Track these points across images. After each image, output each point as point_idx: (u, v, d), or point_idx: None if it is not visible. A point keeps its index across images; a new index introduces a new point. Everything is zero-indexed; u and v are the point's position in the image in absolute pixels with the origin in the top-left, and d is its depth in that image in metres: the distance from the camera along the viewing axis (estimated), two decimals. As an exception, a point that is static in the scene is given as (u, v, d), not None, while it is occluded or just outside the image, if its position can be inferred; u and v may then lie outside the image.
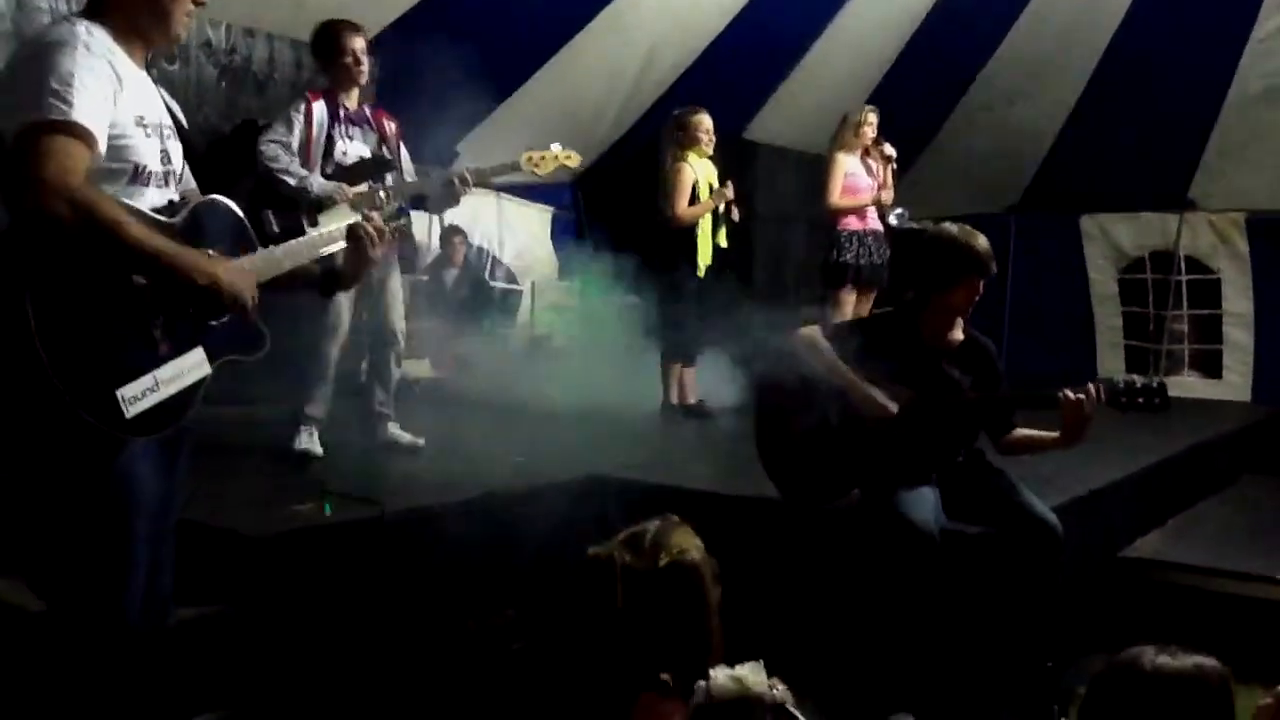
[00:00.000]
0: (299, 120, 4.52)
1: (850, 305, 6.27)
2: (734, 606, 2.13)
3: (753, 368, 4.10)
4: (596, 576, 2.02)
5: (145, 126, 2.41)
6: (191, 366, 2.41)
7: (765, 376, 3.95)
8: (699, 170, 6.00)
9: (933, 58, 8.33)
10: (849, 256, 6.28)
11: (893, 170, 6.52)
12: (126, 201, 2.32)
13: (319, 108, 4.57)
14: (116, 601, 2.37)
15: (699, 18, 7.81)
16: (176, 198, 2.51)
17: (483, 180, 4.77)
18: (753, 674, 1.65)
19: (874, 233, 6.41)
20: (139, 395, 2.27)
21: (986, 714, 3.44)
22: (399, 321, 4.85)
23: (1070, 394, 3.36)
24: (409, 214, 2.86)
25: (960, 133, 9.13)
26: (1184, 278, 8.65)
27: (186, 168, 2.59)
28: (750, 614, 2.07)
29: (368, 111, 4.72)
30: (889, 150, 6.43)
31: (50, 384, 2.14)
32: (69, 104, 2.20)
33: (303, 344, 4.66)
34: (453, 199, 4.65)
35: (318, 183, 4.44)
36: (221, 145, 5.88)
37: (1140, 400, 3.35)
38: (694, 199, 5.95)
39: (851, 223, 6.33)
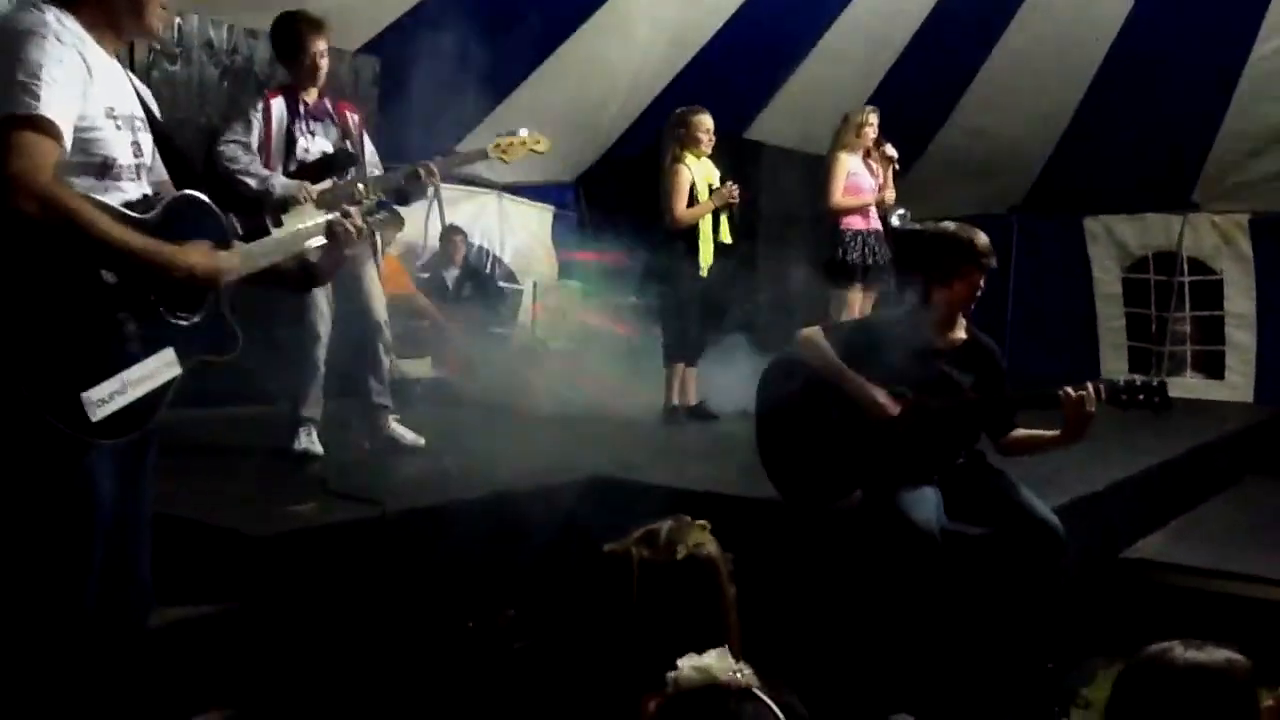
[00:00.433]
0: (257, 119, 4.47)
1: (854, 304, 6.27)
2: (737, 607, 2.13)
3: (755, 368, 4.09)
4: (612, 572, 2.02)
5: (116, 118, 2.36)
6: (161, 367, 2.34)
7: (767, 377, 3.95)
8: (697, 171, 5.99)
9: (935, 57, 8.32)
10: (854, 256, 6.28)
11: (894, 171, 6.52)
12: (98, 198, 2.27)
13: (278, 105, 4.52)
14: (72, 602, 2.30)
15: (700, 15, 7.81)
16: (150, 192, 2.45)
17: (450, 169, 4.73)
18: (718, 660, 1.65)
19: (875, 232, 6.42)
20: (106, 398, 2.21)
21: (987, 715, 3.43)
22: (381, 312, 4.80)
23: (1071, 391, 3.36)
24: (387, 208, 2.85)
25: (963, 133, 9.12)
26: (1187, 279, 8.65)
27: (159, 160, 2.53)
28: (752, 614, 2.06)
29: (328, 105, 4.66)
30: (890, 151, 6.44)
31: (13, 386, 2.09)
32: (37, 97, 2.14)
33: (290, 347, 4.66)
34: (420, 191, 4.63)
35: (280, 182, 4.37)
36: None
37: (1141, 398, 3.36)
38: (692, 200, 5.94)
39: (855, 222, 6.34)
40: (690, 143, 6.01)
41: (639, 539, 2.05)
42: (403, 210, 7.07)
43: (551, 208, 9.21)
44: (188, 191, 2.50)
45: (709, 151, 6.09)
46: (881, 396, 3.58)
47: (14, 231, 2.12)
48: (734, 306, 6.56)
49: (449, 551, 3.78)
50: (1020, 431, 3.68)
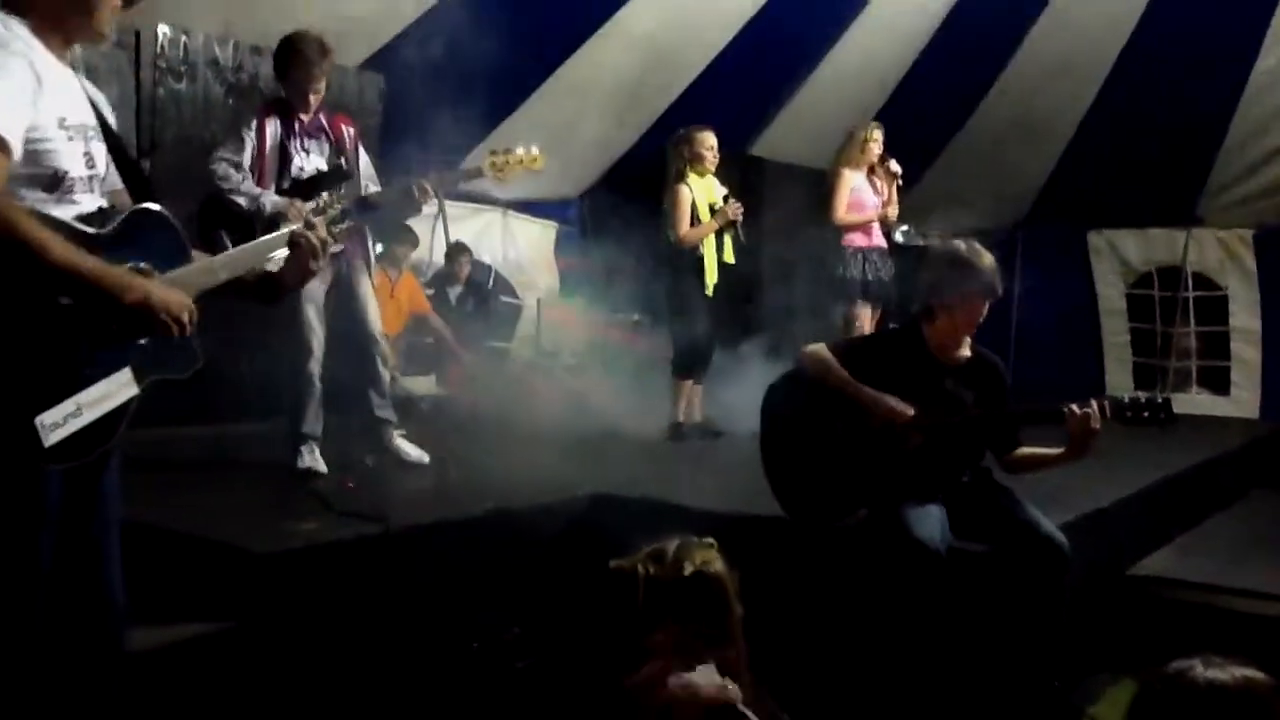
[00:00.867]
0: (250, 136, 4.47)
1: (858, 321, 6.27)
2: (744, 624, 2.12)
3: (760, 385, 4.09)
4: (619, 587, 2.02)
5: (68, 129, 2.29)
6: (118, 388, 2.26)
7: (772, 394, 3.94)
8: (700, 188, 5.99)
9: (941, 73, 8.33)
10: (853, 273, 6.29)
11: (898, 187, 6.53)
12: (50, 213, 2.20)
13: (272, 122, 4.52)
14: (18, 615, 2.24)
15: (706, 32, 7.82)
16: (105, 204, 2.38)
17: (446, 186, 4.72)
18: (703, 677, 1.65)
19: (879, 249, 6.42)
20: (59, 421, 2.13)
21: (994, 733, 3.42)
22: (377, 324, 4.80)
23: (1075, 409, 3.35)
24: (354, 218, 2.83)
25: (967, 148, 9.13)
26: (1191, 294, 8.64)
27: (114, 171, 2.45)
28: (757, 632, 2.06)
29: (324, 120, 4.66)
30: (894, 167, 6.44)
31: None
32: None
33: (285, 364, 4.66)
34: (414, 208, 4.61)
35: (270, 200, 4.36)
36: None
37: (1145, 414, 3.34)
38: (695, 219, 5.95)
39: (857, 239, 6.34)
40: (694, 160, 6.01)
41: (646, 556, 2.05)
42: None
43: (555, 224, 9.22)
44: (144, 205, 2.42)
45: (713, 169, 6.10)
46: (894, 401, 3.57)
47: None
48: (739, 323, 6.55)
49: (452, 569, 3.78)
50: (1025, 449, 3.67)
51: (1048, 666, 3.53)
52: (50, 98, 2.25)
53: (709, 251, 5.99)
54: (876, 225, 6.42)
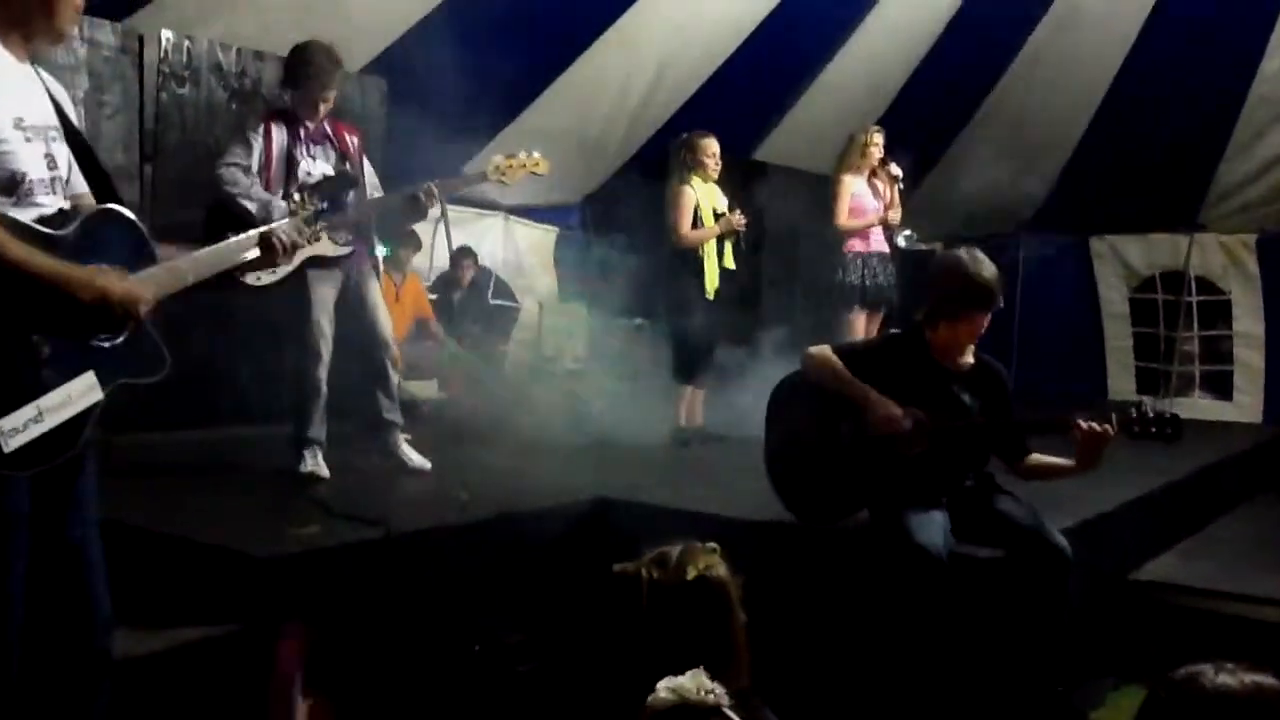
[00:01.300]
0: (257, 142, 4.47)
1: (857, 326, 6.27)
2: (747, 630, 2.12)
3: (762, 390, 4.09)
4: (622, 592, 2.01)
5: (25, 130, 2.24)
6: (81, 392, 2.21)
7: (776, 395, 3.94)
8: (702, 194, 6.00)
9: (943, 79, 8.34)
10: (854, 278, 6.28)
11: (899, 190, 6.52)
12: (8, 215, 2.16)
13: (277, 128, 4.53)
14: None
15: (710, 38, 7.83)
16: (66, 205, 2.34)
17: (450, 192, 4.73)
18: (692, 681, 1.65)
19: (879, 254, 6.41)
20: (19, 427, 2.09)
21: (996, 738, 3.42)
22: (387, 329, 4.82)
23: (1084, 424, 3.33)
24: (329, 217, 2.84)
25: (970, 153, 9.12)
26: (1194, 299, 8.63)
27: (77, 172, 2.41)
28: (759, 637, 2.06)
29: (328, 128, 4.67)
30: (895, 170, 6.43)
31: None
32: None
33: (291, 368, 4.67)
34: (420, 212, 4.62)
35: (280, 206, 4.34)
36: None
37: (1153, 430, 3.34)
38: (697, 222, 5.95)
39: (855, 245, 6.34)
40: (696, 167, 6.02)
41: (649, 560, 2.05)
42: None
43: (556, 229, 9.23)
44: (107, 206, 2.38)
45: (715, 176, 6.10)
46: (894, 409, 3.57)
47: None
48: (740, 328, 6.55)
49: (454, 573, 3.78)
50: (1036, 457, 3.66)
51: (1050, 671, 3.53)
52: (6, 99, 2.21)
53: (710, 256, 5.99)
54: (878, 230, 6.42)
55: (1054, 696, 3.53)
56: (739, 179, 6.65)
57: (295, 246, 2.69)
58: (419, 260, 7.78)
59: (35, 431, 2.12)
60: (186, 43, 5.80)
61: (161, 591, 3.33)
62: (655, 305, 6.55)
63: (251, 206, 4.31)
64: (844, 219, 6.30)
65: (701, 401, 6.28)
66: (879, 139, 6.42)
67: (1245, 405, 8.37)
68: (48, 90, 2.38)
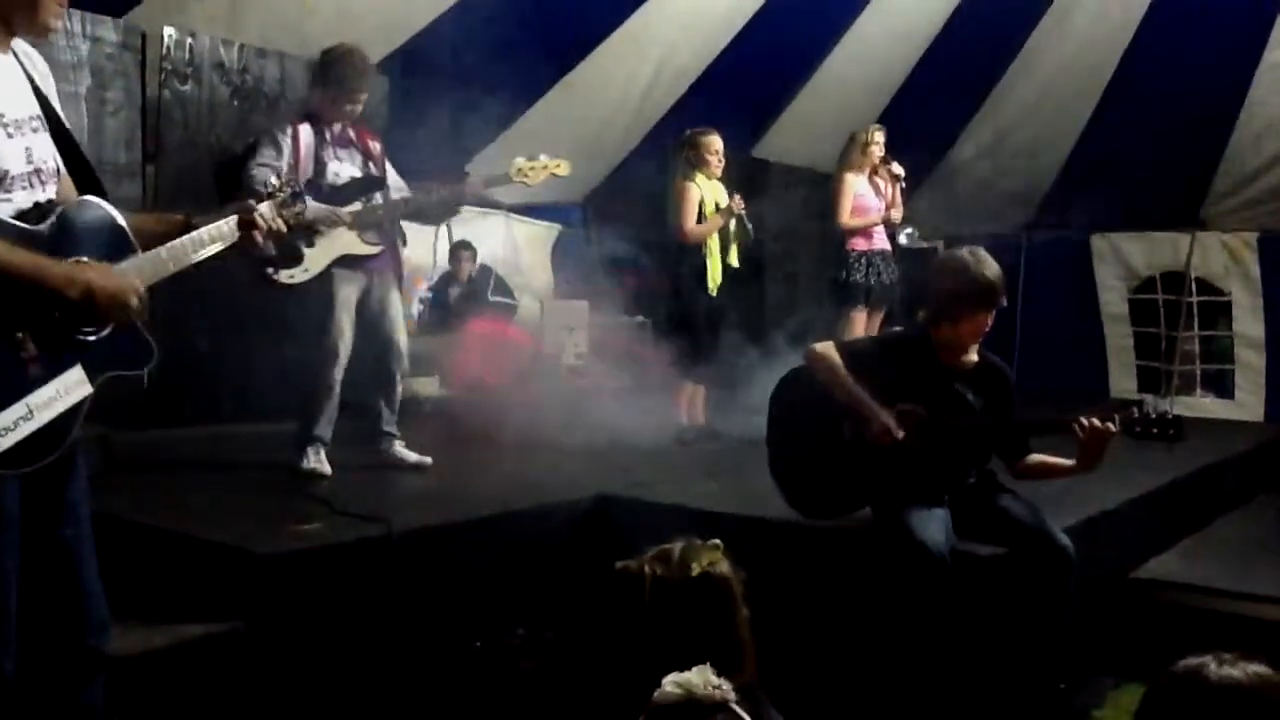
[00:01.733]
0: (286, 143, 4.51)
1: (860, 324, 6.27)
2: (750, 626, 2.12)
3: (764, 387, 4.09)
4: (625, 589, 2.01)
5: (5, 125, 2.22)
6: (70, 387, 2.19)
7: (779, 390, 3.94)
8: (706, 191, 6.00)
9: (944, 76, 8.33)
10: (858, 276, 6.29)
11: (901, 189, 6.52)
12: None
13: (305, 130, 4.56)
14: None
15: (709, 37, 7.83)
16: (44, 199, 2.29)
17: (480, 191, 4.79)
18: (698, 677, 1.65)
19: (881, 252, 6.41)
20: (10, 425, 2.07)
21: (998, 736, 3.42)
22: (402, 340, 4.85)
23: (1085, 423, 3.33)
24: (305, 201, 2.85)
25: (972, 152, 9.13)
26: (1195, 298, 8.63)
27: (60, 164, 2.37)
28: (761, 634, 2.06)
29: (352, 132, 4.71)
30: (897, 169, 6.44)
31: None
32: None
33: (306, 365, 4.67)
34: (450, 211, 4.72)
35: (312, 206, 4.36)
36: (234, 164, 5.92)
37: (1154, 431, 3.34)
38: (700, 218, 5.96)
39: (859, 243, 6.34)
40: (699, 164, 6.02)
41: (652, 557, 2.05)
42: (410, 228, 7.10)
43: (558, 226, 9.23)
44: (85, 198, 2.35)
45: (719, 173, 6.10)
46: (888, 420, 3.57)
47: None
48: (743, 325, 6.55)
49: (456, 571, 3.78)
50: (1035, 457, 3.66)
51: (1052, 669, 3.53)
52: None
53: (713, 253, 5.99)
54: (881, 227, 6.42)
55: (1055, 694, 3.53)
56: (740, 176, 6.64)
57: (273, 227, 2.63)
58: (422, 258, 7.78)
59: (26, 429, 2.10)
60: (189, 40, 5.81)
61: (163, 588, 3.33)
62: (657, 302, 6.55)
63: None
64: (846, 217, 6.31)
65: (703, 398, 6.28)
66: (880, 137, 6.42)
67: (1247, 404, 8.36)
68: (29, 77, 2.34)
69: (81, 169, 2.43)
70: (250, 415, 5.73)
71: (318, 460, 4.64)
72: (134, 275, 2.30)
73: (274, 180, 3.81)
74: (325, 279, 4.52)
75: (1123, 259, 8.94)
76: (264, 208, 2.62)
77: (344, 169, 4.62)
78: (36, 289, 2.11)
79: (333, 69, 4.58)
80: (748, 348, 6.39)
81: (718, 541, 2.09)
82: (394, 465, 4.82)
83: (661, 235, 6.16)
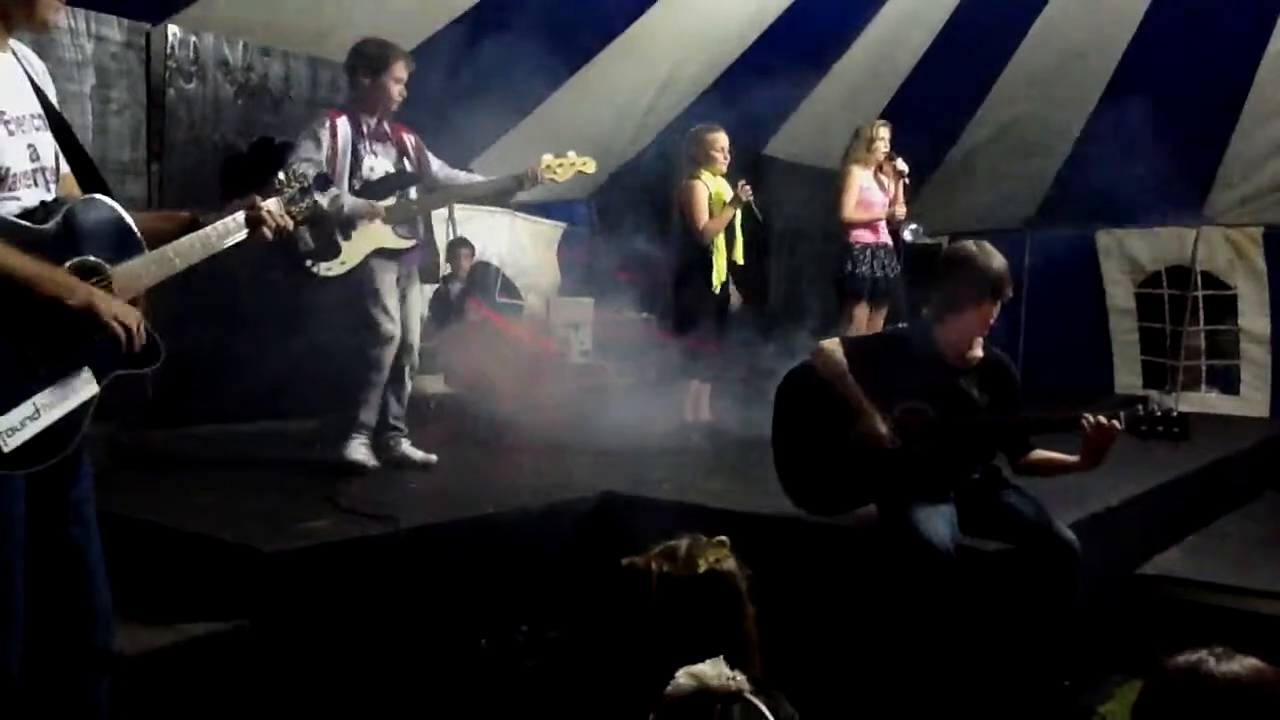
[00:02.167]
0: (325, 137, 4.57)
1: (862, 319, 6.26)
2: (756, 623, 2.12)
3: (769, 384, 4.09)
4: (631, 585, 2.01)
5: (7, 123, 2.21)
6: (77, 387, 2.19)
7: (784, 387, 3.94)
8: (712, 187, 6.00)
9: (948, 73, 8.32)
10: (862, 269, 6.27)
11: (905, 185, 6.51)
12: None
13: (343, 124, 4.62)
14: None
15: (721, 41, 7.82)
16: (49, 197, 2.28)
17: (529, 185, 4.83)
18: (712, 669, 1.66)
19: (885, 246, 6.40)
20: (17, 426, 2.07)
21: (1003, 732, 3.42)
22: (416, 334, 4.92)
23: (1091, 419, 3.33)
24: (314, 196, 2.84)
25: (976, 147, 9.12)
26: (1200, 293, 8.61)
27: (63, 161, 2.35)
28: (766, 631, 2.06)
29: (387, 127, 4.77)
30: (901, 165, 6.41)
31: None
32: None
33: (352, 351, 4.71)
34: (509, 197, 4.94)
35: (349, 201, 4.50)
36: (239, 162, 5.93)
37: (1160, 429, 3.33)
38: (709, 214, 5.96)
39: (864, 236, 6.33)
40: (706, 161, 6.02)
41: (659, 554, 2.05)
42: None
43: (563, 224, 9.23)
44: (91, 196, 2.34)
45: (725, 170, 6.10)
46: (883, 428, 3.58)
47: None
48: (747, 322, 6.55)
49: (461, 569, 3.79)
50: (1039, 453, 3.66)
51: (1057, 665, 3.53)
52: None
53: (719, 250, 6.00)
54: (884, 223, 6.41)
55: (1060, 690, 3.53)
56: (747, 173, 6.64)
57: (282, 223, 2.64)
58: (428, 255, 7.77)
59: (33, 429, 2.10)
60: (192, 38, 5.81)
61: (169, 586, 3.34)
62: (662, 300, 6.55)
63: (323, 201, 4.37)
64: (850, 211, 6.29)
65: (708, 395, 6.27)
66: (885, 133, 6.41)
67: (1252, 400, 8.35)
68: (29, 76, 2.33)
69: (85, 168, 2.42)
70: (257, 413, 5.74)
71: (364, 452, 4.70)
72: (142, 274, 2.30)
73: (280, 175, 3.84)
74: (364, 270, 4.59)
75: (1128, 254, 8.93)
76: (271, 204, 2.62)
77: (379, 164, 4.69)
78: (35, 295, 2.10)
79: (379, 62, 4.65)
80: (753, 344, 6.39)
81: (724, 538, 2.09)
82: (400, 464, 4.83)
83: (666, 232, 6.16)
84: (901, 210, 6.48)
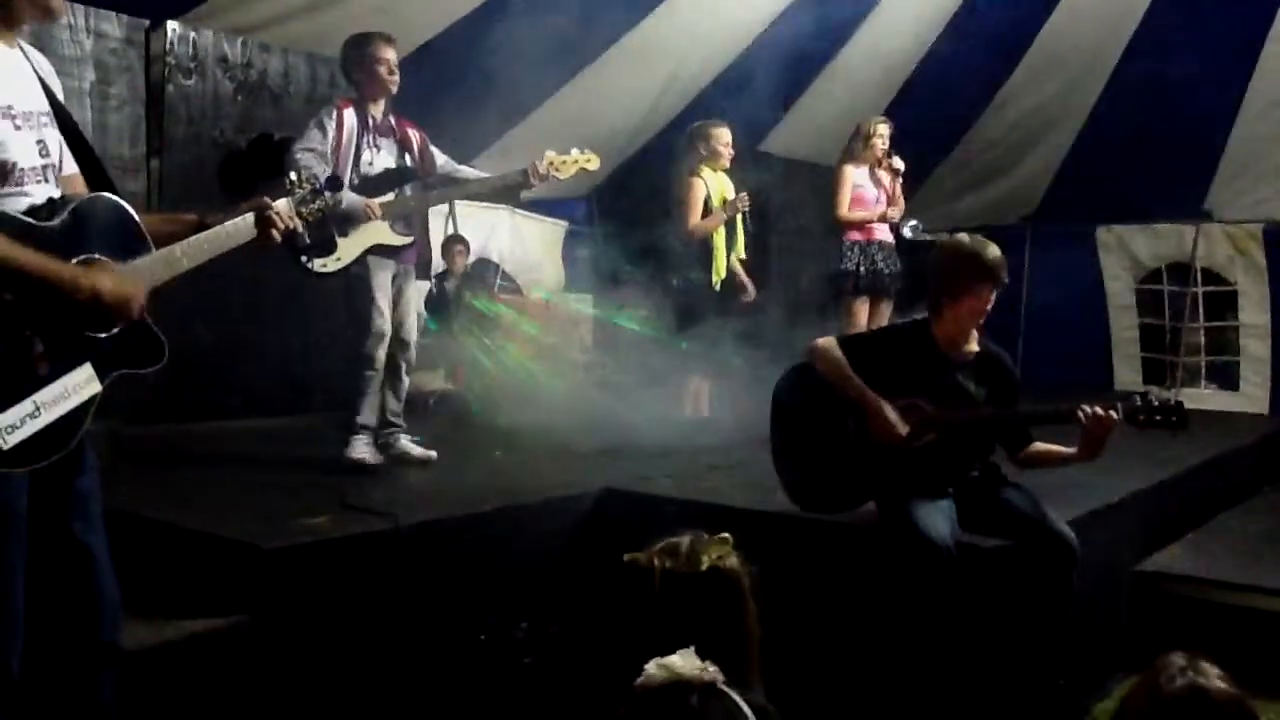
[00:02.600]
0: (331, 126, 4.58)
1: (859, 316, 6.24)
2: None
3: (768, 380, 4.09)
4: (634, 581, 2.01)
5: (14, 117, 2.20)
6: (79, 385, 2.18)
7: (782, 386, 3.94)
8: (712, 184, 6.00)
9: (949, 69, 8.32)
10: (853, 265, 6.23)
11: (900, 184, 6.48)
12: None
13: (350, 115, 4.63)
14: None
15: (723, 41, 7.82)
16: (56, 194, 2.28)
17: (533, 181, 4.84)
18: (684, 659, 1.65)
19: (880, 243, 6.35)
20: (16, 423, 2.05)
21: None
22: (413, 330, 4.92)
23: (1089, 410, 3.33)
24: (327, 195, 2.85)
25: (976, 144, 9.12)
26: (1200, 289, 8.61)
27: (68, 156, 2.35)
28: (766, 628, 2.06)
29: (393, 121, 4.78)
30: (898, 164, 6.37)
31: None
32: None
33: (347, 352, 4.70)
34: (515, 195, 4.91)
35: (349, 197, 4.47)
36: (238, 159, 5.93)
37: (1158, 418, 3.33)
38: (706, 212, 5.95)
39: (856, 234, 6.29)
40: (710, 156, 6.02)
41: (661, 550, 2.05)
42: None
43: (564, 223, 9.22)
44: (98, 193, 2.33)
45: (728, 165, 6.09)
46: (892, 415, 3.57)
47: None
48: (747, 319, 6.54)
49: (461, 565, 3.79)
50: (1037, 446, 3.67)
51: (1054, 663, 3.53)
52: None
53: (719, 246, 5.99)
54: (882, 219, 6.38)
55: (1057, 689, 3.53)
56: (746, 170, 6.64)
57: (291, 224, 2.64)
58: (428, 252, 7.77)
59: (33, 427, 2.09)
60: (192, 34, 5.81)
61: (171, 582, 3.34)
62: (662, 296, 6.55)
63: (333, 202, 4.38)
64: (845, 209, 6.26)
65: (708, 392, 6.27)
66: (884, 130, 6.37)
67: (1253, 396, 8.35)
68: (36, 73, 2.32)
69: (92, 166, 2.41)
70: (258, 410, 5.75)
71: (368, 450, 4.70)
72: (146, 274, 2.29)
73: (292, 176, 3.84)
74: (359, 266, 4.60)
75: (1128, 250, 8.93)
76: (281, 205, 2.61)
77: (379, 158, 4.69)
78: (44, 289, 2.10)
79: (352, 52, 4.69)
80: (752, 342, 6.39)
81: (727, 535, 2.09)
82: (400, 460, 4.83)
83: (667, 228, 6.15)
84: (897, 211, 6.43)
